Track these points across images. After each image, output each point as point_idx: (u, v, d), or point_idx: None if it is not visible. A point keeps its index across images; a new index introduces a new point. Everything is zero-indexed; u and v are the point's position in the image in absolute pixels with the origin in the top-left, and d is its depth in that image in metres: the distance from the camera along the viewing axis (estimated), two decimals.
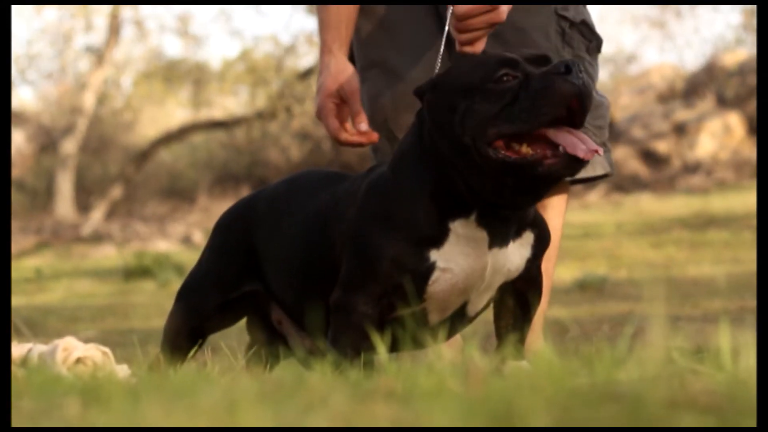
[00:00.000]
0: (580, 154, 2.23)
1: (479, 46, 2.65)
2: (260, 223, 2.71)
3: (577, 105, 2.25)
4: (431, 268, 2.36)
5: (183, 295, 2.80)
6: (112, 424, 1.25)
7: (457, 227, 2.36)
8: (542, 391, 1.29)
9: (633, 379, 1.43)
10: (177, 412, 1.24)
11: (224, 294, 2.72)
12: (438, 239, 2.36)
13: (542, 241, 2.50)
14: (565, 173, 2.28)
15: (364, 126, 2.82)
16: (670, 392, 1.17)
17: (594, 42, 3.07)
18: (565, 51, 3.01)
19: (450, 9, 2.67)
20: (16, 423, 1.36)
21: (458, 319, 2.48)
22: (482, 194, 2.31)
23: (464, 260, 2.38)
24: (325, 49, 2.93)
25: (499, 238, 2.39)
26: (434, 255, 2.36)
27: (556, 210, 3.02)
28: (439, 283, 2.38)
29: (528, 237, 2.46)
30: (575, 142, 2.25)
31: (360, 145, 2.84)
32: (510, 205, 2.35)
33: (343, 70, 2.88)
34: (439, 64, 2.67)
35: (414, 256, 2.35)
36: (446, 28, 2.71)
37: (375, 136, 2.83)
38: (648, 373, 1.29)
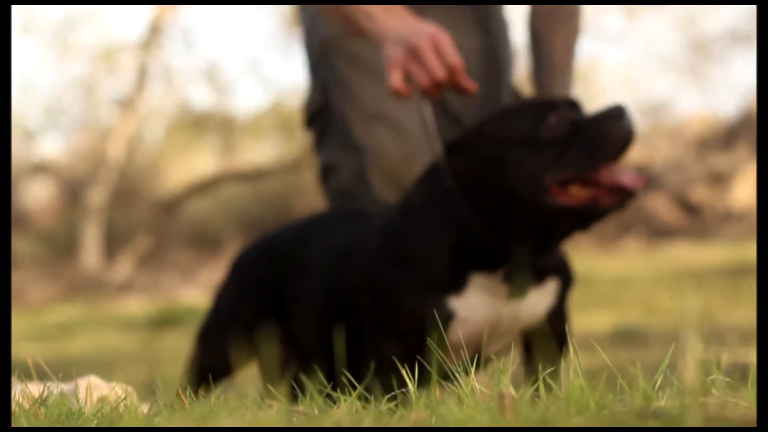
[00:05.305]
0: (630, 185, 2.25)
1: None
2: (284, 264, 2.66)
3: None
4: (450, 317, 2.34)
5: (204, 337, 2.75)
6: None
7: (479, 279, 2.34)
8: (577, 414, 1.25)
9: (669, 405, 1.39)
10: None
11: (245, 334, 2.68)
12: (459, 289, 2.34)
13: (567, 286, 2.48)
14: (620, 208, 2.28)
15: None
16: (707, 414, 1.14)
17: None
18: None
19: None
20: None
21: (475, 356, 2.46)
22: (522, 244, 2.28)
23: (483, 311, 2.35)
24: (377, 9, 2.49)
25: (519, 289, 2.36)
26: (454, 304, 2.34)
27: None
28: (456, 332, 2.35)
29: (552, 284, 2.43)
30: (622, 176, 2.27)
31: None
32: (543, 250, 2.33)
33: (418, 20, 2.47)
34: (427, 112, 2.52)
35: (434, 306, 2.33)
36: None
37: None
38: (684, 400, 1.25)
